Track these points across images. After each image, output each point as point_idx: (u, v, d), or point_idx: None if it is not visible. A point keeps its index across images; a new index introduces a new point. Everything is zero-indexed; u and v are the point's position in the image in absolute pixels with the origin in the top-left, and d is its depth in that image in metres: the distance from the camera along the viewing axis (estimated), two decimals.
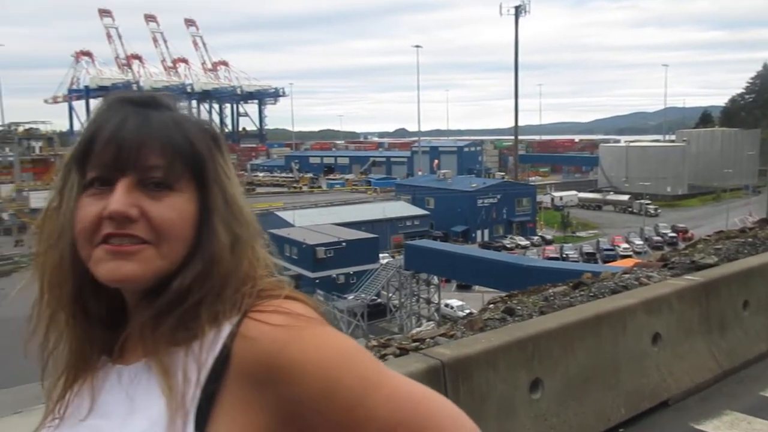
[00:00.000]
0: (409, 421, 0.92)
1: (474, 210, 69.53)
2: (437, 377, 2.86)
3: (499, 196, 71.06)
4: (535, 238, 68.67)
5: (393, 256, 50.83)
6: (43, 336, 1.03)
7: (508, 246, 64.02)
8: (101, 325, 1.02)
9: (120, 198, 0.92)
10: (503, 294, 7.44)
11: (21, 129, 71.12)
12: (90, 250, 0.94)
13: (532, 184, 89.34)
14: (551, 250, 60.34)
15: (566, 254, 57.60)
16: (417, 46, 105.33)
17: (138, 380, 0.95)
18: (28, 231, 62.99)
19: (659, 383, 4.37)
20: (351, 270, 45.82)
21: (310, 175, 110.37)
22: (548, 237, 69.33)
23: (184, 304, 0.94)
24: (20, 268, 51.48)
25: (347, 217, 59.70)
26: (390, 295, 44.43)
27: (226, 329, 0.93)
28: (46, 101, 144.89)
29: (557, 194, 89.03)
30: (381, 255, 49.48)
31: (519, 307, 5.67)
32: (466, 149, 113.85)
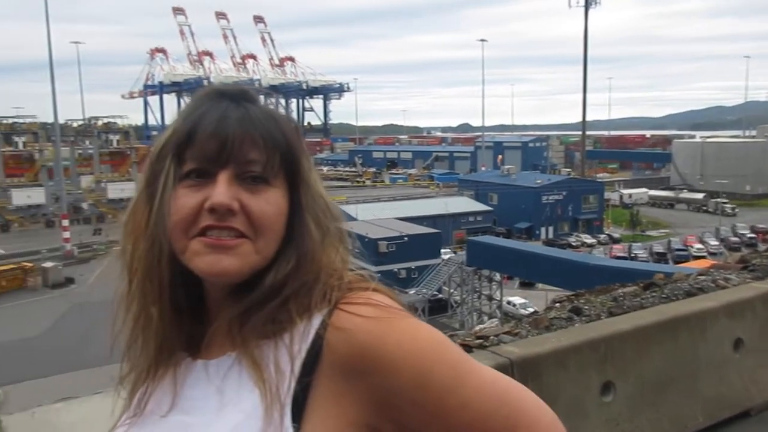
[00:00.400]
0: (498, 409, 0.93)
1: (538, 206, 68.15)
2: None
3: (564, 193, 69.40)
4: (602, 236, 66.66)
5: (455, 252, 50.57)
6: (130, 328, 1.03)
7: (573, 244, 62.45)
8: (186, 319, 1.01)
9: (223, 190, 0.91)
10: (568, 293, 7.25)
11: (100, 123, 74.65)
12: (186, 242, 0.93)
13: (600, 180, 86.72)
14: (619, 249, 58.40)
15: (635, 254, 55.62)
16: (482, 40, 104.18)
17: (226, 374, 0.94)
18: (105, 220, 66.34)
19: (741, 392, 4.13)
20: (413, 265, 45.77)
21: (373, 169, 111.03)
22: (616, 236, 67.15)
23: (276, 299, 0.95)
24: (98, 255, 54.40)
25: (409, 212, 59.69)
26: (451, 290, 44.15)
27: (317, 320, 0.93)
28: (123, 96, 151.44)
29: (626, 191, 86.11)
30: (443, 250, 49.26)
31: (586, 307, 5.49)
32: (531, 145, 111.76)
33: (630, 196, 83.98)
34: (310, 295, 0.96)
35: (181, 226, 0.94)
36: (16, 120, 71.83)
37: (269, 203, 0.94)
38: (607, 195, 76.55)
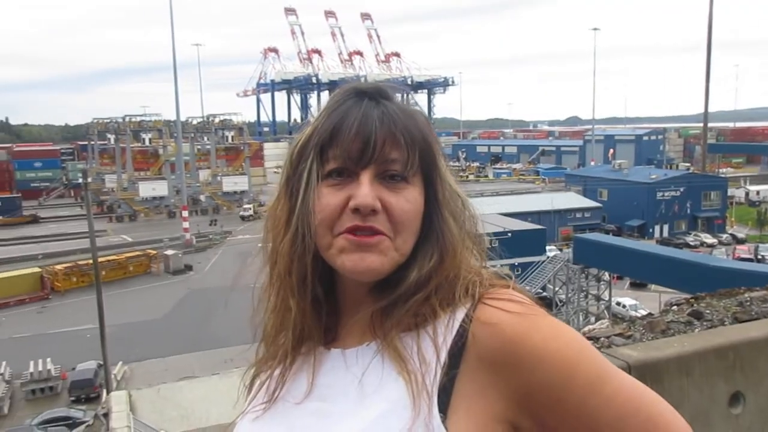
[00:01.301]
0: (636, 413, 0.93)
1: (653, 203, 64.47)
2: None
3: (682, 189, 65.18)
4: (725, 236, 61.97)
5: (561, 249, 49.04)
6: (269, 318, 1.08)
7: (691, 243, 58.57)
8: (324, 310, 1.04)
9: (367, 191, 0.94)
10: (686, 295, 6.83)
11: (217, 120, 78.94)
12: (331, 239, 0.96)
13: (723, 176, 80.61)
14: (744, 250, 54.09)
15: (762, 255, 51.32)
16: (594, 29, 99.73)
17: (366, 363, 0.96)
18: (221, 212, 70.16)
19: None
20: (516, 261, 44.88)
21: (476, 164, 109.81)
22: (740, 235, 62.24)
23: (419, 294, 0.96)
24: (214, 245, 57.63)
25: (513, 207, 58.50)
26: (556, 289, 42.87)
27: (461, 314, 0.95)
28: (237, 95, 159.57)
29: (753, 188, 79.53)
30: (548, 247, 47.92)
31: (707, 311, 5.13)
32: (645, 138, 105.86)
33: (757, 193, 77.52)
34: (452, 289, 0.97)
35: (326, 224, 0.96)
36: (143, 118, 77.47)
37: (409, 201, 0.96)
38: (730, 192, 71.11)
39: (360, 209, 0.93)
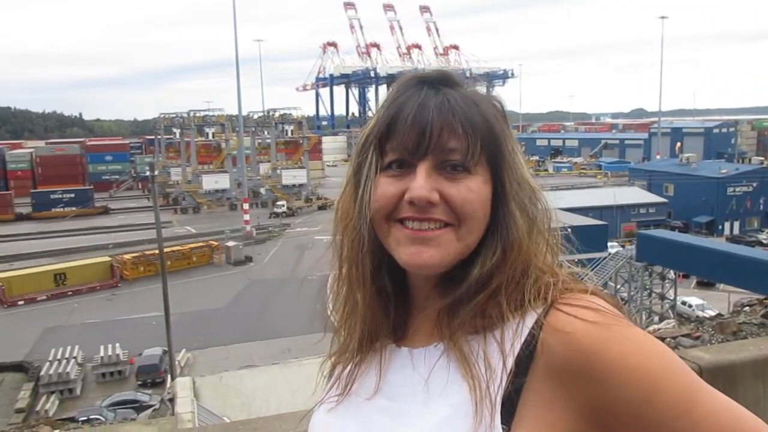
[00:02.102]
0: None
1: (722, 199, 61.70)
2: None
3: (755, 184, 62.11)
4: None
5: (623, 246, 47.56)
6: (339, 312, 1.06)
7: (764, 242, 55.78)
8: (392, 304, 1.02)
9: (422, 183, 0.91)
10: (759, 296, 6.50)
11: (277, 114, 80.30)
12: (388, 228, 0.95)
13: None
14: None
15: None
16: (662, 17, 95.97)
17: (433, 364, 0.93)
18: (277, 204, 71.44)
19: None
20: (576, 257, 43.73)
21: (536, 158, 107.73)
22: None
23: (483, 291, 0.92)
24: (273, 237, 58.72)
25: (574, 202, 57.06)
26: (618, 286, 41.65)
27: (531, 319, 0.89)
28: (297, 89, 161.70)
29: None
30: (610, 244, 46.60)
31: None
32: (715, 130, 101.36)
33: None
34: (522, 290, 0.92)
35: (382, 214, 0.95)
36: (207, 113, 79.66)
37: (471, 190, 0.92)
38: None
39: (415, 202, 0.91)
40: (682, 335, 5.09)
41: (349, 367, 1.05)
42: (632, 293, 40.16)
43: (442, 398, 0.90)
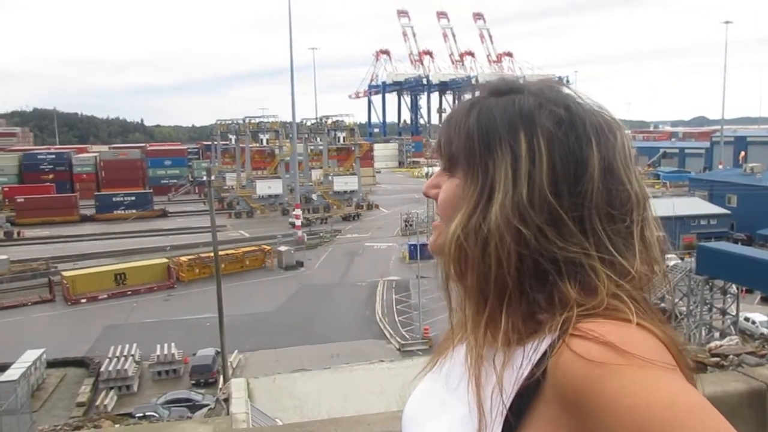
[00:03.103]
0: None
1: None
2: (761, 402, 2.46)
3: None
4: None
5: (682, 258, 45.98)
6: (445, 293, 1.12)
7: None
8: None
9: (428, 181, 1.10)
10: None
11: (329, 121, 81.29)
12: None
13: None
14: None
15: None
16: (726, 22, 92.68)
17: (464, 365, 1.00)
18: (331, 210, 72.23)
19: None
20: None
21: None
22: None
23: (512, 306, 0.94)
24: (324, 242, 59.33)
25: None
26: (676, 300, 40.28)
27: (545, 343, 0.88)
28: (349, 96, 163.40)
29: None
30: (667, 256, 45.08)
31: None
32: None
33: None
34: (540, 310, 0.92)
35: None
36: (261, 120, 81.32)
37: (443, 191, 1.04)
38: None
39: (424, 195, 1.10)
40: (747, 353, 4.93)
41: (440, 351, 1.15)
42: (691, 308, 38.75)
43: (461, 399, 0.97)
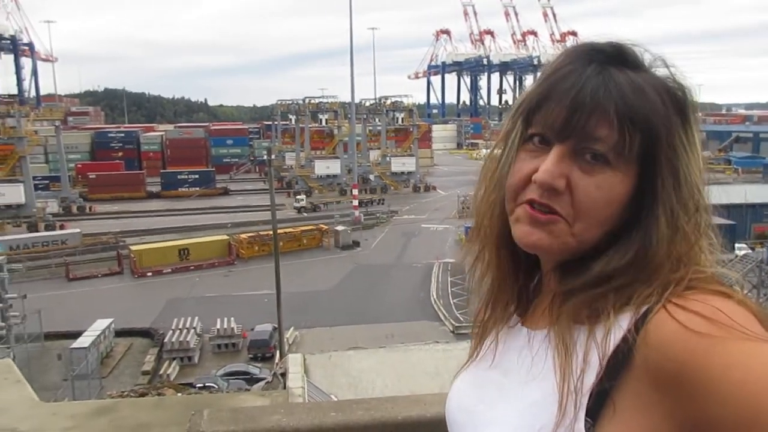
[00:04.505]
0: None
1: None
2: None
3: None
4: None
5: (753, 248, 43.94)
6: (470, 269, 1.08)
7: None
8: (522, 276, 1.05)
9: (549, 167, 0.88)
10: None
11: (388, 102, 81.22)
12: (514, 206, 0.95)
13: None
14: None
15: None
16: None
17: (540, 348, 0.93)
18: (388, 191, 72.44)
19: None
20: None
21: None
22: None
23: (600, 287, 0.88)
24: (380, 223, 59.59)
25: None
26: (746, 292, 38.41)
27: (633, 317, 0.83)
28: (408, 77, 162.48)
29: None
30: (737, 245, 43.23)
31: None
32: None
33: None
34: (635, 288, 0.86)
35: (512, 190, 0.94)
36: (321, 100, 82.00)
37: (599, 188, 0.87)
38: None
39: (537, 184, 0.89)
40: None
41: (481, 336, 1.08)
42: (762, 300, 37.07)
43: (537, 382, 0.89)
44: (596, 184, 0.87)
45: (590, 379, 0.83)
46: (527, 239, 0.91)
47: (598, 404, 0.82)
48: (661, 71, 0.91)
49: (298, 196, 65.10)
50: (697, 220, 0.89)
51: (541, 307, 1.00)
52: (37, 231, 54.64)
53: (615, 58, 0.90)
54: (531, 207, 0.91)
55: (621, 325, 0.84)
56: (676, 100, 0.89)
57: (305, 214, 61.77)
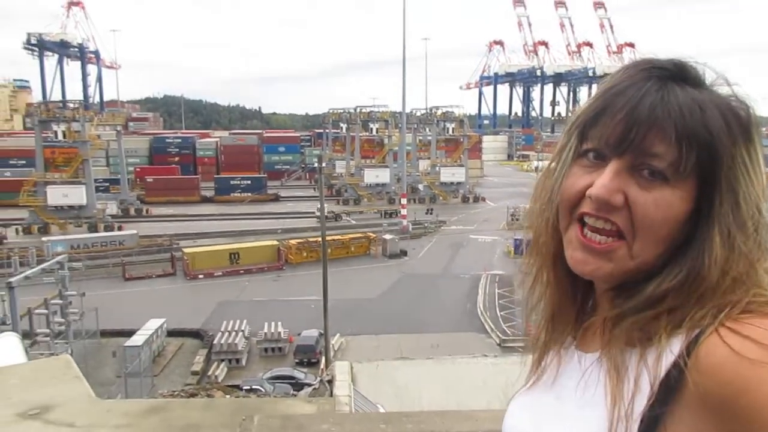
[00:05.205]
0: None
1: None
2: None
3: None
4: None
5: None
6: (529, 289, 1.05)
7: None
8: (579, 291, 1.02)
9: (606, 182, 0.86)
10: None
11: (439, 112, 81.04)
12: (568, 221, 0.93)
13: None
14: None
15: None
16: None
17: (593, 372, 0.91)
18: (437, 201, 72.23)
19: None
20: None
21: None
22: None
23: (652, 309, 0.86)
24: (428, 233, 59.42)
25: None
26: None
27: (685, 341, 0.81)
28: (460, 87, 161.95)
29: None
30: None
31: None
32: None
33: None
34: (689, 310, 0.83)
35: (566, 205, 0.92)
36: (372, 109, 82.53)
37: (657, 205, 0.84)
38: None
39: (593, 199, 0.87)
40: None
41: (536, 359, 1.06)
42: None
43: (590, 407, 0.87)
44: (655, 201, 0.84)
45: (641, 404, 0.81)
46: (582, 268, 0.90)
47: (649, 430, 0.80)
48: (723, 89, 0.89)
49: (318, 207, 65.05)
50: (757, 240, 0.85)
51: (593, 329, 0.98)
52: (96, 231, 56.78)
53: (676, 74, 0.88)
54: (582, 234, 0.89)
55: (672, 349, 0.82)
56: (738, 119, 0.87)
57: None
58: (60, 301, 28.47)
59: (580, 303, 1.02)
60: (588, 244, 0.88)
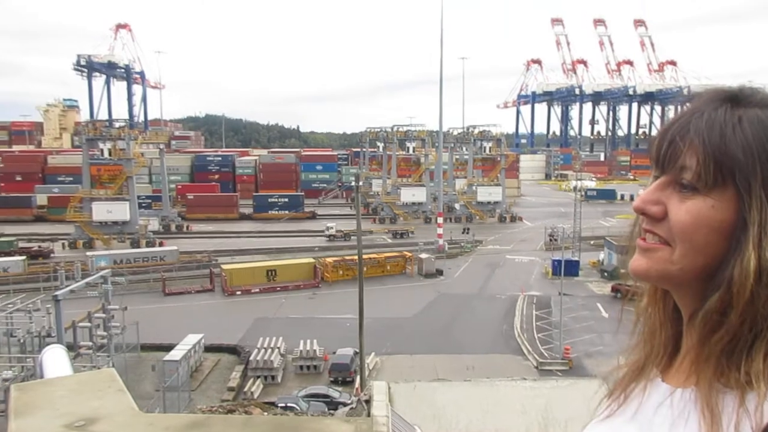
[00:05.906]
0: None
1: None
2: None
3: None
4: None
5: None
6: (638, 324, 1.07)
7: None
8: (673, 326, 1.02)
9: (643, 195, 0.94)
10: None
11: (476, 131, 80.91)
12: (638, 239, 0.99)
13: None
14: None
15: None
16: None
17: (683, 409, 0.89)
18: (473, 221, 71.72)
19: None
20: None
21: None
22: None
23: (714, 335, 0.86)
24: (464, 252, 58.93)
25: None
26: None
27: None
28: (497, 106, 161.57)
29: None
30: None
31: None
32: None
33: None
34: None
35: (636, 223, 0.99)
36: (409, 128, 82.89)
37: (688, 212, 0.89)
38: None
39: (635, 211, 0.96)
40: None
41: (622, 387, 1.05)
42: None
43: None
44: (686, 209, 0.90)
45: None
46: (632, 266, 0.96)
47: None
48: None
49: (328, 224, 65.36)
50: None
51: (679, 361, 0.97)
52: (138, 247, 58.15)
53: (735, 97, 0.92)
54: (642, 238, 0.96)
55: None
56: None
57: (336, 242, 61.76)
58: (103, 315, 29.12)
59: (672, 332, 1.02)
60: (640, 244, 0.95)
